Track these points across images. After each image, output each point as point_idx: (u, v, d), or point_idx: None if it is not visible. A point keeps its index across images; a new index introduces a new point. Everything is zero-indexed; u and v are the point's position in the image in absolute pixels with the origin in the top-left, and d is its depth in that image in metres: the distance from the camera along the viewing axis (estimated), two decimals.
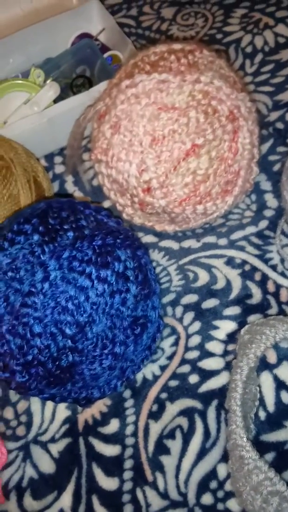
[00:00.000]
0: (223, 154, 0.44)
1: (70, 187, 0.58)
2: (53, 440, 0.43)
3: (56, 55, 0.62)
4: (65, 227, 0.36)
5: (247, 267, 0.48)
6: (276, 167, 0.54)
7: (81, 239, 0.35)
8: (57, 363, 0.34)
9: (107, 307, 0.35)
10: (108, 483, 0.40)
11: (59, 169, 0.60)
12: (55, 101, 0.58)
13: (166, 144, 0.43)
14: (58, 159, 0.61)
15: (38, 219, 0.37)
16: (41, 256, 0.34)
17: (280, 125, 0.57)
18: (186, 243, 0.52)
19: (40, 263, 0.34)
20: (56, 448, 0.42)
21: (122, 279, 0.36)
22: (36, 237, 0.35)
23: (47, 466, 0.42)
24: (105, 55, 0.61)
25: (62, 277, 0.34)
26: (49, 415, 0.44)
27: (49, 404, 0.44)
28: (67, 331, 0.34)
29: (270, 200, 0.52)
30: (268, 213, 0.51)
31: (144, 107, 0.43)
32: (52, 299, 0.34)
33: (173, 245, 0.52)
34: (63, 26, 0.64)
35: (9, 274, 0.35)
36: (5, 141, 0.51)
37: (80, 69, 0.60)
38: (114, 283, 0.35)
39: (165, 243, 0.52)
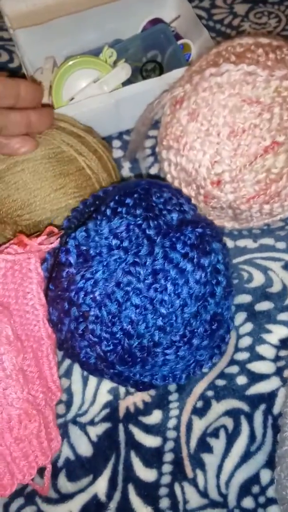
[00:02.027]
0: None
1: (126, 172, 0.57)
2: (92, 423, 0.42)
3: (128, 38, 0.61)
4: (169, 207, 0.36)
5: None
6: None
7: (185, 223, 0.35)
8: (140, 340, 0.34)
9: (199, 296, 0.35)
10: (146, 474, 0.40)
11: (116, 153, 0.59)
12: (122, 84, 0.57)
13: (245, 138, 0.42)
14: (116, 143, 0.60)
15: (139, 195, 0.36)
16: (147, 230, 0.34)
17: None
18: (242, 242, 0.51)
19: (146, 236, 0.34)
20: (94, 432, 0.42)
21: (215, 271, 0.36)
22: (139, 211, 0.35)
23: (85, 448, 0.41)
24: (178, 42, 0.60)
25: (165, 255, 0.33)
26: (90, 397, 0.43)
27: (91, 386, 0.44)
28: (162, 310, 0.33)
29: None
30: None
31: (227, 97, 0.42)
32: (152, 275, 0.33)
33: (228, 243, 0.51)
34: (136, 9, 0.62)
35: (113, 241, 0.34)
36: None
37: (151, 54, 0.59)
38: (209, 273, 0.35)
39: None
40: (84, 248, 0.35)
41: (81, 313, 0.35)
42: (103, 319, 0.34)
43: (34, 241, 0.36)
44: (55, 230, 0.37)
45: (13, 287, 0.35)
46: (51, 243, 0.36)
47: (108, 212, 0.37)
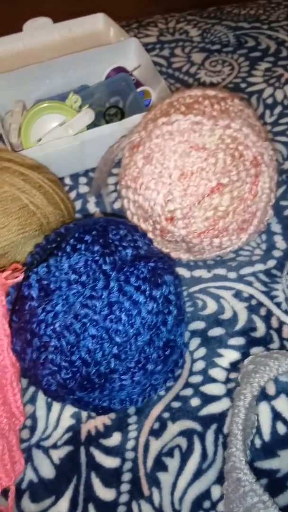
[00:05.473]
0: (244, 195, 0.48)
1: (91, 207, 0.61)
2: (55, 446, 0.44)
3: (92, 84, 0.66)
4: (124, 244, 0.40)
5: (253, 302, 0.51)
6: (286, 212, 0.58)
7: (138, 258, 0.39)
8: (97, 367, 0.37)
9: (152, 325, 0.38)
10: (105, 493, 0.42)
11: (83, 189, 0.63)
12: (87, 126, 0.61)
13: (193, 180, 0.46)
14: (82, 180, 0.64)
15: (97, 232, 0.40)
16: (103, 265, 0.38)
17: None
18: (197, 273, 0.55)
19: (102, 271, 0.37)
20: (57, 455, 0.44)
21: (167, 302, 0.39)
22: (96, 247, 0.39)
23: (47, 471, 0.43)
24: (138, 89, 0.65)
25: (119, 288, 0.37)
26: (54, 422, 0.46)
27: (54, 411, 0.46)
28: (117, 339, 0.37)
29: (279, 241, 0.56)
30: (277, 253, 0.55)
31: (177, 144, 0.47)
32: (107, 307, 0.36)
33: (185, 273, 0.55)
34: (102, 58, 0.68)
35: (72, 276, 0.37)
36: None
37: (114, 100, 0.64)
38: (161, 303, 0.38)
39: (178, 270, 0.55)
40: (45, 282, 0.39)
41: (42, 344, 0.38)
42: (62, 349, 0.37)
43: (0, 276, 0.39)
44: (19, 266, 0.40)
45: None
46: (16, 277, 0.39)
47: (68, 248, 0.40)
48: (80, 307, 0.37)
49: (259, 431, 0.43)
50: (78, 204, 0.61)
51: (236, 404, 0.41)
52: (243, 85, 0.72)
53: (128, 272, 0.39)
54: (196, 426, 0.44)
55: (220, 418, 0.44)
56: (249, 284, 0.53)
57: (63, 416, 0.46)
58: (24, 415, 0.42)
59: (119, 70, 0.68)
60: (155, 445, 0.44)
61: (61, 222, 0.51)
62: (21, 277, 0.39)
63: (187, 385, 0.46)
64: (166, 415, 0.45)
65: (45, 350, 0.38)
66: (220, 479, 0.42)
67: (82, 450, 0.44)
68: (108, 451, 0.44)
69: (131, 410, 0.46)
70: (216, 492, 0.41)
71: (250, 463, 0.42)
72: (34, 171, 0.48)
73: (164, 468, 0.43)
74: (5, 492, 0.41)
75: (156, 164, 0.47)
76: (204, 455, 0.43)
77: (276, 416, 0.44)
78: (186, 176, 0.46)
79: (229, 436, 0.40)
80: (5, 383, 0.40)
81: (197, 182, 0.46)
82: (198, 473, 0.42)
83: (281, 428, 0.43)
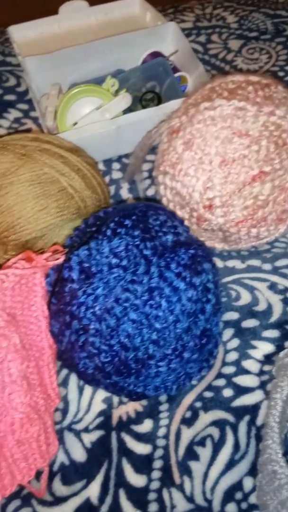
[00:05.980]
0: (285, 184, 0.47)
1: (124, 193, 0.61)
2: (86, 430, 0.44)
3: (129, 69, 0.65)
4: (164, 229, 0.39)
5: None
6: None
7: (179, 245, 0.38)
8: (135, 352, 0.36)
9: (191, 312, 0.38)
10: (136, 479, 0.42)
11: (116, 175, 0.63)
12: (123, 112, 0.60)
13: (234, 167, 0.45)
14: (116, 165, 0.63)
15: (137, 217, 0.39)
16: (144, 250, 0.37)
17: None
18: (231, 263, 0.54)
19: (143, 256, 0.37)
20: (88, 438, 0.44)
21: (205, 290, 0.39)
22: (137, 232, 0.38)
23: (79, 454, 0.43)
24: (175, 75, 0.64)
25: (160, 274, 0.36)
26: (85, 406, 0.45)
27: (86, 395, 0.46)
28: (156, 325, 0.36)
29: None
30: None
31: (219, 130, 0.46)
32: (147, 293, 0.36)
33: (218, 263, 0.54)
34: (138, 42, 0.67)
35: (113, 260, 0.37)
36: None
37: (150, 85, 0.63)
38: (200, 291, 0.38)
39: None
40: (86, 265, 0.38)
41: (81, 326, 0.38)
42: (102, 332, 0.37)
43: (40, 258, 0.39)
44: (60, 248, 0.40)
45: (20, 300, 0.38)
46: (57, 259, 0.39)
47: (109, 232, 0.40)
48: (121, 291, 0.37)
49: None
50: (111, 190, 0.61)
51: (272, 396, 0.41)
52: (280, 74, 0.70)
53: (169, 258, 0.38)
54: (229, 417, 0.44)
55: (253, 410, 0.44)
56: (285, 276, 0.52)
57: (95, 400, 0.46)
58: (59, 397, 0.42)
59: (156, 55, 0.67)
60: (187, 434, 0.43)
61: (97, 207, 0.50)
62: (61, 259, 0.39)
63: (219, 375, 0.46)
64: (198, 404, 0.45)
65: (84, 333, 0.38)
66: (252, 471, 0.41)
67: (114, 435, 0.44)
68: (139, 437, 0.44)
69: (163, 398, 0.45)
70: (248, 483, 0.41)
71: (284, 456, 0.41)
72: (72, 154, 0.48)
73: (195, 457, 0.42)
74: (37, 475, 0.41)
75: (197, 150, 0.47)
76: (236, 446, 0.42)
77: None
78: (227, 163, 0.46)
79: (265, 428, 0.40)
80: (42, 364, 0.40)
81: (238, 170, 0.45)
82: (230, 464, 0.42)
83: None
